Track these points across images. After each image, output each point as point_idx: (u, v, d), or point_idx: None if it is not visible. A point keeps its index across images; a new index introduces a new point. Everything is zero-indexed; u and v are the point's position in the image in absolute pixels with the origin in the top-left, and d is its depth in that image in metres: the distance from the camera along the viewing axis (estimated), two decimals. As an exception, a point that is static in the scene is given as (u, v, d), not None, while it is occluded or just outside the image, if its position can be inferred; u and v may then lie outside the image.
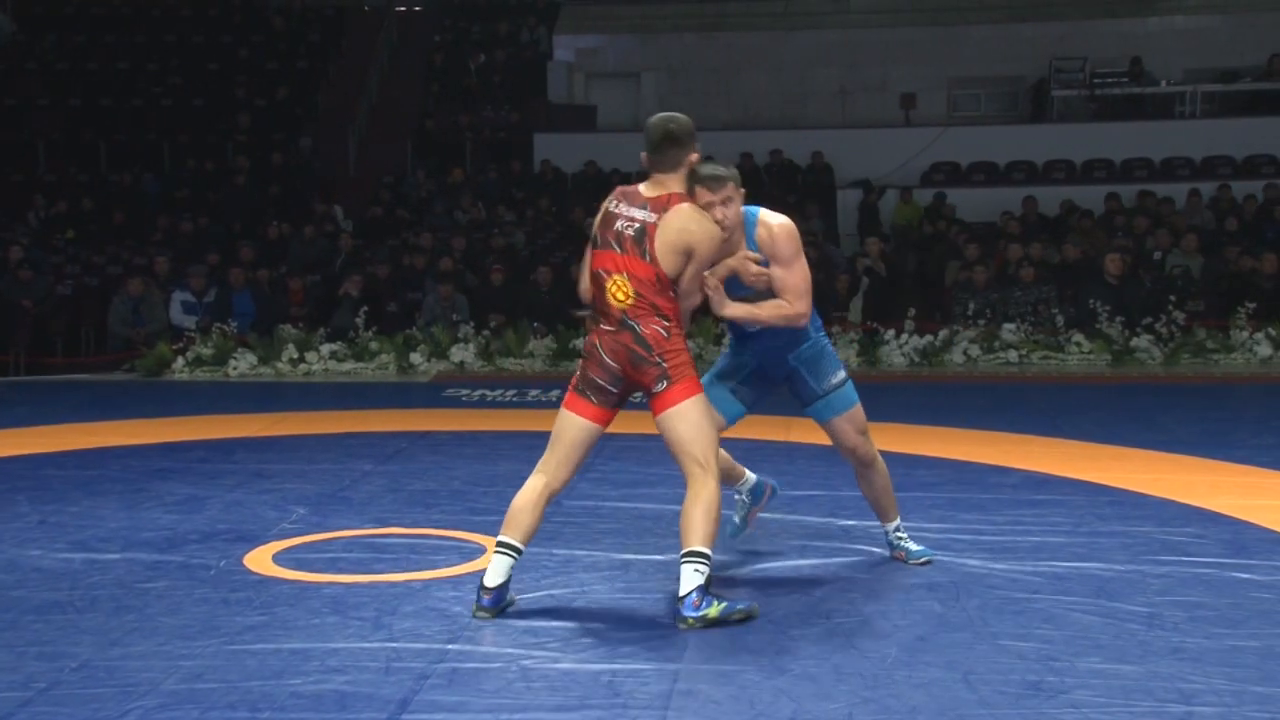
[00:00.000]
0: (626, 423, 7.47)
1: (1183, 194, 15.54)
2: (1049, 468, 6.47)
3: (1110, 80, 18.02)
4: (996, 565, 4.59)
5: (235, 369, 11.64)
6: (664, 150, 4.08)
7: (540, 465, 4.14)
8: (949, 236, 14.51)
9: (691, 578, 3.87)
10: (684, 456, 4.03)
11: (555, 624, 3.91)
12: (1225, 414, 8.70)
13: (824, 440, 7.24)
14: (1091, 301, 11.83)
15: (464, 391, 10.13)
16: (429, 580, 4.43)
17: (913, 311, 12.04)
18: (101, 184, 17.12)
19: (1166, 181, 16.37)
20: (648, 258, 3.99)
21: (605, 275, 4.06)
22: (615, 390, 4.09)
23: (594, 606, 4.13)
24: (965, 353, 11.68)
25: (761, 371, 4.52)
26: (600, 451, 6.92)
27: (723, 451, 4.65)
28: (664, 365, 4.00)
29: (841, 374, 4.55)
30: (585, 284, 4.19)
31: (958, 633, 3.82)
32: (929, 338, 11.84)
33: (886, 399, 9.63)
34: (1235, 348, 11.61)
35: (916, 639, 3.76)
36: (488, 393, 9.97)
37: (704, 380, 4.54)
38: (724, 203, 4.21)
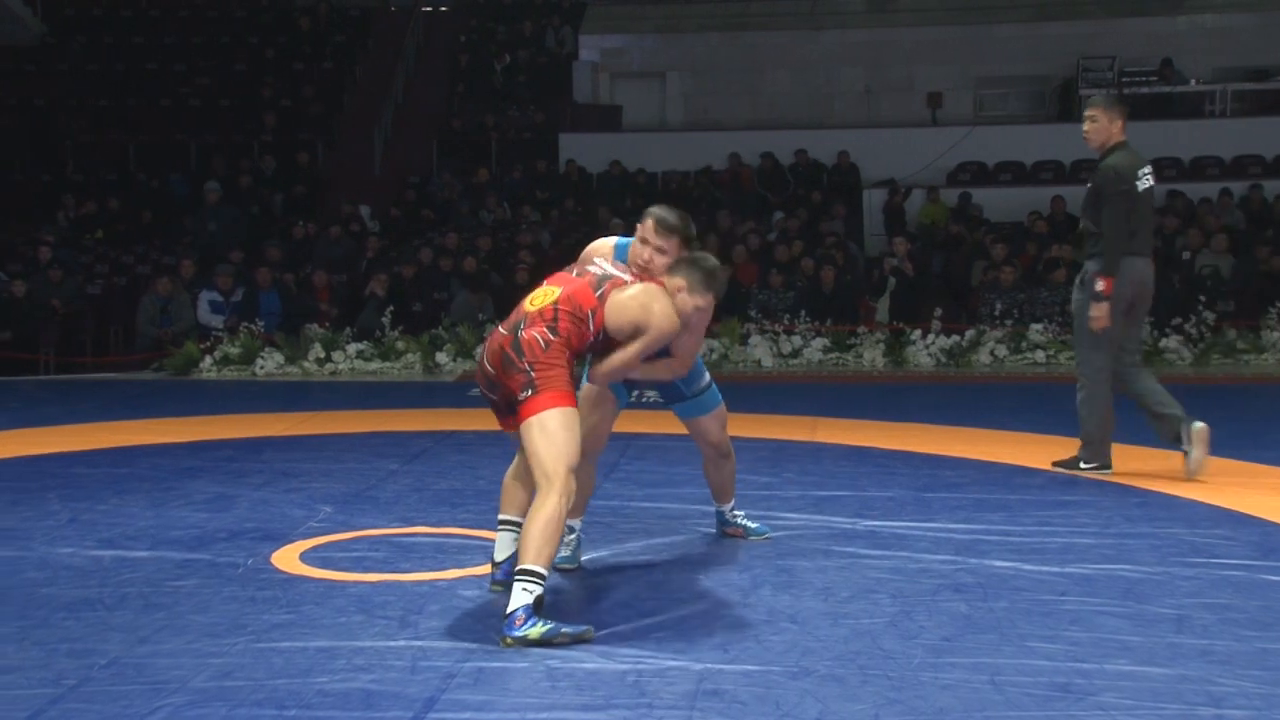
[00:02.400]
0: (649, 422, 7.49)
1: (1212, 193, 15.44)
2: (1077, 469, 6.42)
3: (1139, 79, 17.91)
4: (1024, 566, 4.56)
5: (262, 368, 11.70)
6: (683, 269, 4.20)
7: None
8: (975, 236, 14.47)
9: (519, 596, 3.71)
10: (535, 468, 3.89)
11: (580, 623, 3.91)
12: (1255, 415, 8.63)
13: (852, 440, 7.27)
14: (1120, 302, 11.75)
15: (489, 391, 10.12)
16: (455, 579, 4.44)
17: (939, 312, 12.00)
18: (129, 184, 17.24)
19: (1196, 181, 16.28)
20: (599, 294, 4.04)
21: (540, 285, 4.17)
22: (495, 398, 4.08)
23: (619, 606, 4.13)
24: (992, 353, 11.64)
25: None
26: (624, 451, 6.93)
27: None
28: (531, 374, 3.92)
29: (707, 377, 4.80)
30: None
31: (984, 634, 3.80)
32: (955, 338, 11.80)
33: (912, 399, 9.62)
34: (1266, 348, 11.54)
35: (943, 640, 3.74)
36: (513, 392, 9.95)
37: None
38: (658, 250, 4.25)
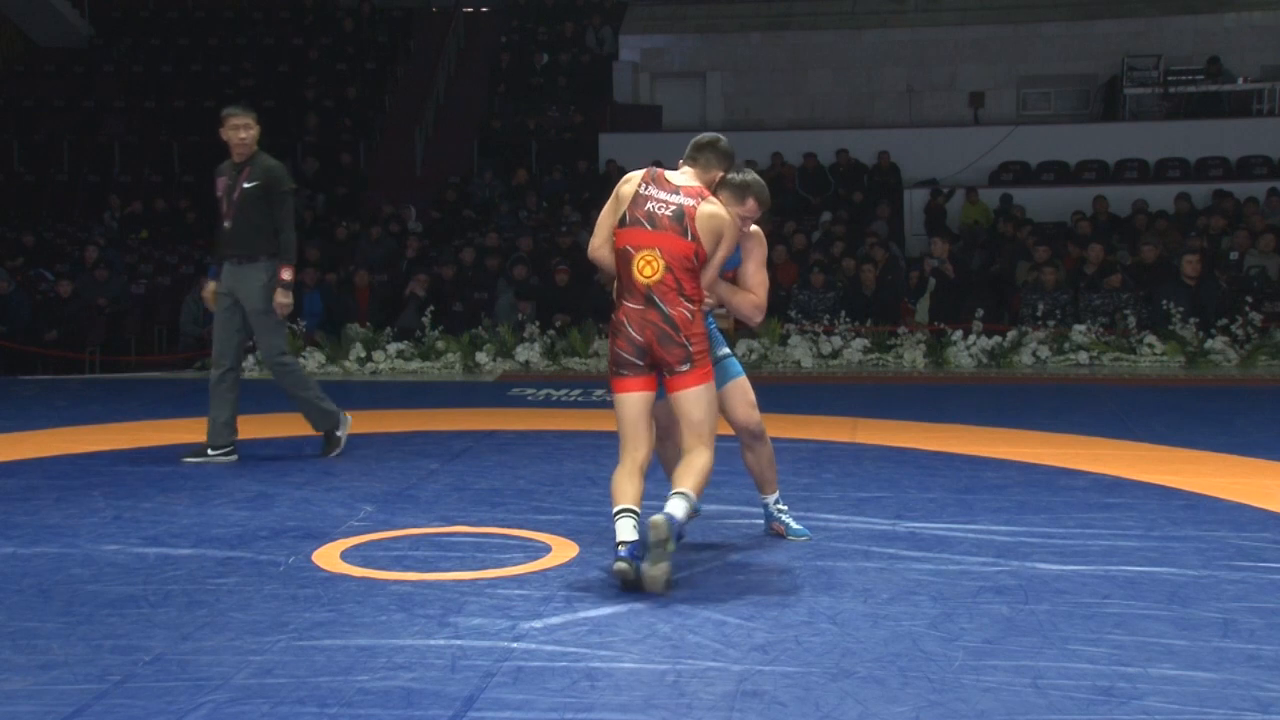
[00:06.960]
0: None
1: (1259, 193, 15.25)
2: (1120, 470, 6.37)
3: (1185, 78, 17.71)
4: (1066, 569, 4.52)
5: (303, 368, 11.77)
6: (705, 153, 4.61)
7: (620, 454, 4.48)
8: (1018, 237, 14.36)
9: (678, 505, 4.26)
10: (691, 433, 4.44)
11: (620, 624, 3.91)
12: (1303, 417, 8.52)
13: (892, 441, 7.23)
14: (1165, 302, 11.64)
15: (529, 391, 10.16)
16: (494, 579, 4.45)
17: (980, 312, 11.92)
18: (174, 184, 17.41)
19: (1243, 180, 16.09)
20: (689, 236, 4.38)
21: (634, 251, 4.42)
22: (642, 363, 4.44)
23: (658, 606, 4.12)
24: (1034, 354, 11.55)
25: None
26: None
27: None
28: (689, 348, 4.39)
29: (726, 349, 4.92)
30: (596, 244, 4.58)
31: (1026, 637, 3.77)
32: (997, 339, 11.72)
33: (953, 401, 9.55)
34: (1314, 349, 11.38)
35: (984, 642, 3.71)
36: (553, 392, 9.99)
37: None
38: (744, 218, 4.67)
